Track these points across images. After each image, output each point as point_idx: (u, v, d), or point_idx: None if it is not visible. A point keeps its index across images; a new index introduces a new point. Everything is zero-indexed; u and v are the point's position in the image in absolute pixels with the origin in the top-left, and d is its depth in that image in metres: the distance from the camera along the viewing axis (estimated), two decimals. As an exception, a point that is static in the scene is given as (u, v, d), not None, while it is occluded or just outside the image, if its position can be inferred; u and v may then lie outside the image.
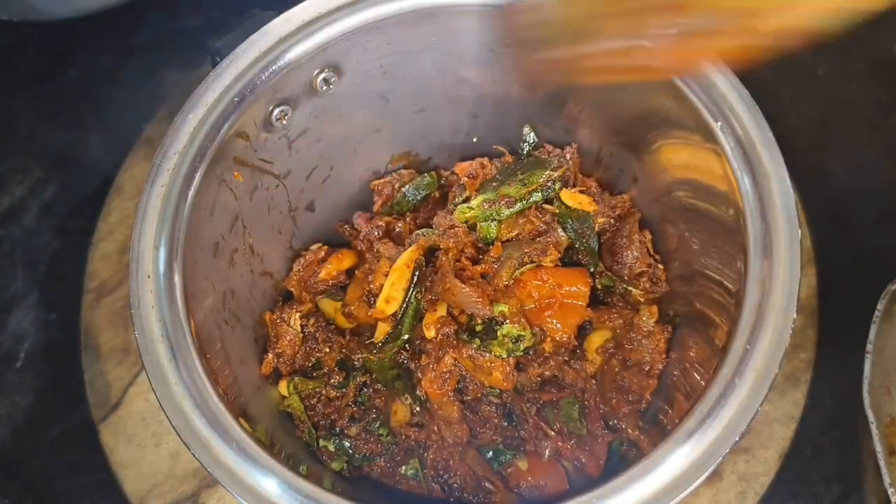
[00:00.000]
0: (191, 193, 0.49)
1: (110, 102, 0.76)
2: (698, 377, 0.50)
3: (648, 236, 0.59)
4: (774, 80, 0.72)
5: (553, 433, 0.56)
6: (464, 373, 0.55)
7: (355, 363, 0.58)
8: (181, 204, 0.48)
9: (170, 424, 0.43)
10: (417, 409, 0.56)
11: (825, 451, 0.60)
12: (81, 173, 0.74)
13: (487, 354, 0.53)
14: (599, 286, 0.59)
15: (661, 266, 0.59)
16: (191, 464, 0.60)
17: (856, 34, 0.74)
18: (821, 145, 0.70)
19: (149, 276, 0.46)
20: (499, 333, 0.53)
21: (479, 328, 0.54)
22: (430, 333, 0.54)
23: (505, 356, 0.53)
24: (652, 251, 0.59)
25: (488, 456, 0.57)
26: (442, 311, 0.55)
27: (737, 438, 0.41)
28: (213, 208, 0.52)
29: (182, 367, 0.44)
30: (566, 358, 0.57)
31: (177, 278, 0.47)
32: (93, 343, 0.65)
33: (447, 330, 0.54)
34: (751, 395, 0.42)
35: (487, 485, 0.55)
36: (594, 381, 0.57)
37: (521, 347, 0.53)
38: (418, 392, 0.56)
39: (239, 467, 0.42)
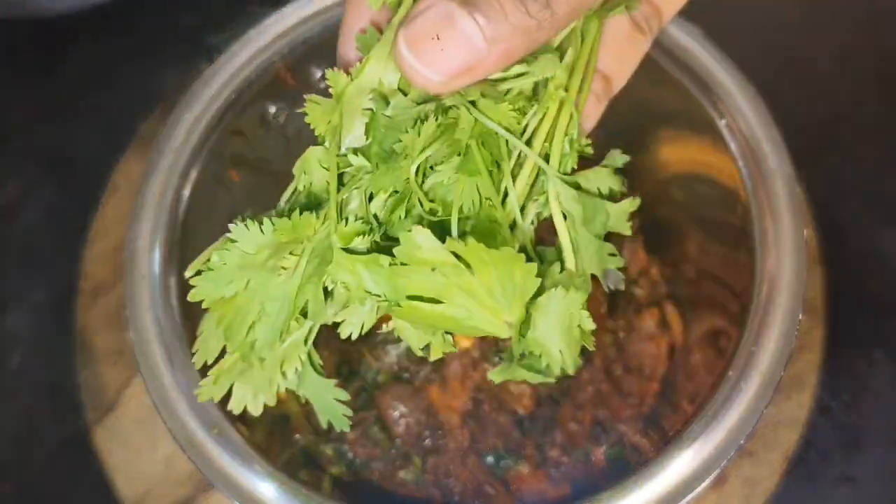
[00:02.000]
0: (187, 192, 0.49)
1: (106, 100, 0.76)
2: (701, 380, 0.50)
3: (639, 236, 0.59)
4: (779, 77, 0.71)
5: (566, 458, 0.55)
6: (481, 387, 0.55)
7: (353, 367, 0.58)
8: (177, 203, 0.48)
9: (165, 427, 0.43)
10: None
11: (832, 455, 0.59)
12: (76, 172, 0.73)
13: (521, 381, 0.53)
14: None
15: (660, 267, 0.58)
16: (186, 467, 0.59)
17: (863, 31, 0.74)
18: (827, 144, 0.69)
19: (144, 277, 0.46)
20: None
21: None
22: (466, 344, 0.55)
23: (535, 384, 0.53)
24: (646, 251, 0.59)
25: (489, 460, 0.56)
26: None
27: (742, 442, 0.41)
28: (209, 208, 0.51)
29: (178, 369, 0.44)
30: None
31: (172, 279, 0.47)
32: (87, 344, 0.64)
33: (484, 346, 0.54)
34: (756, 397, 0.42)
35: (488, 489, 0.55)
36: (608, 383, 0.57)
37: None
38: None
39: (236, 471, 0.42)
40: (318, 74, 0.54)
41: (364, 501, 0.53)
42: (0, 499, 0.61)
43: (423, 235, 0.31)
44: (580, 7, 0.26)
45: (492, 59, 0.26)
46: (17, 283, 0.69)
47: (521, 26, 0.25)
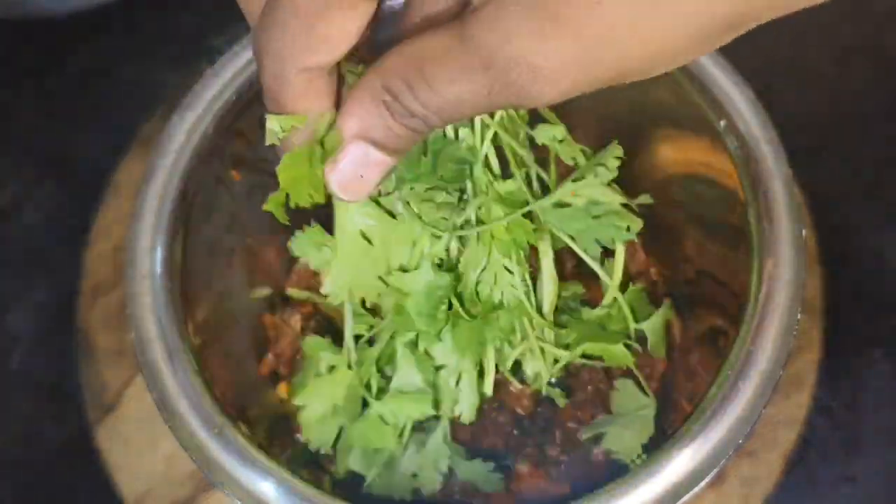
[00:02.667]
0: (188, 193, 0.49)
1: (107, 101, 0.76)
2: (700, 379, 0.50)
3: (638, 236, 0.59)
4: (779, 77, 0.71)
5: (565, 457, 0.55)
6: None
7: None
8: (178, 203, 0.48)
9: (166, 427, 0.43)
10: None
11: (830, 454, 0.59)
12: (78, 172, 0.73)
13: (519, 384, 0.53)
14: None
15: (659, 267, 0.58)
16: (187, 467, 0.59)
17: (863, 32, 0.74)
18: (826, 145, 0.69)
19: (145, 277, 0.46)
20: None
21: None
22: None
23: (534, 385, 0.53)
24: (645, 251, 0.59)
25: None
26: None
27: (740, 442, 0.41)
28: (210, 208, 0.51)
29: (178, 369, 0.44)
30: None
31: (173, 279, 0.47)
32: (88, 344, 0.64)
33: None
34: (755, 397, 0.41)
35: (488, 488, 0.55)
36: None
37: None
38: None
39: (236, 470, 0.42)
40: (319, 75, 0.54)
41: (365, 500, 0.53)
42: (0, 499, 0.61)
43: None
44: (451, 120, 0.32)
45: (393, 163, 0.34)
46: (17, 283, 0.69)
47: (412, 139, 0.32)
